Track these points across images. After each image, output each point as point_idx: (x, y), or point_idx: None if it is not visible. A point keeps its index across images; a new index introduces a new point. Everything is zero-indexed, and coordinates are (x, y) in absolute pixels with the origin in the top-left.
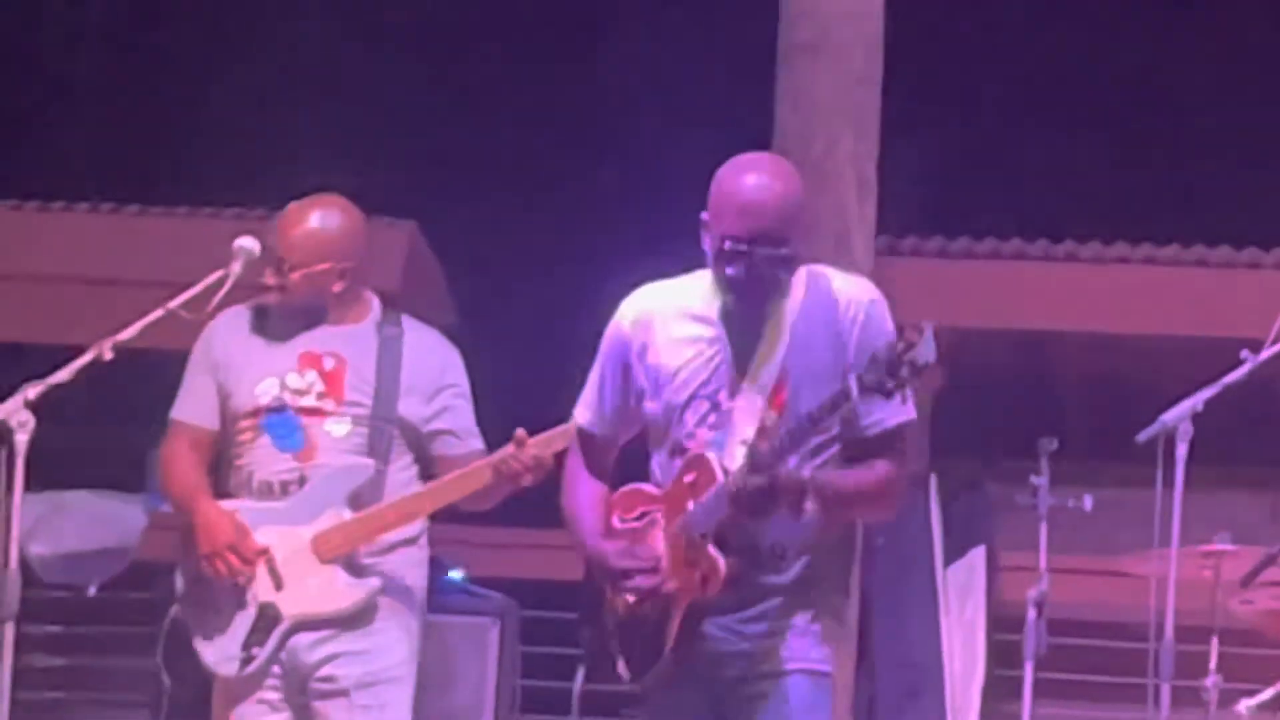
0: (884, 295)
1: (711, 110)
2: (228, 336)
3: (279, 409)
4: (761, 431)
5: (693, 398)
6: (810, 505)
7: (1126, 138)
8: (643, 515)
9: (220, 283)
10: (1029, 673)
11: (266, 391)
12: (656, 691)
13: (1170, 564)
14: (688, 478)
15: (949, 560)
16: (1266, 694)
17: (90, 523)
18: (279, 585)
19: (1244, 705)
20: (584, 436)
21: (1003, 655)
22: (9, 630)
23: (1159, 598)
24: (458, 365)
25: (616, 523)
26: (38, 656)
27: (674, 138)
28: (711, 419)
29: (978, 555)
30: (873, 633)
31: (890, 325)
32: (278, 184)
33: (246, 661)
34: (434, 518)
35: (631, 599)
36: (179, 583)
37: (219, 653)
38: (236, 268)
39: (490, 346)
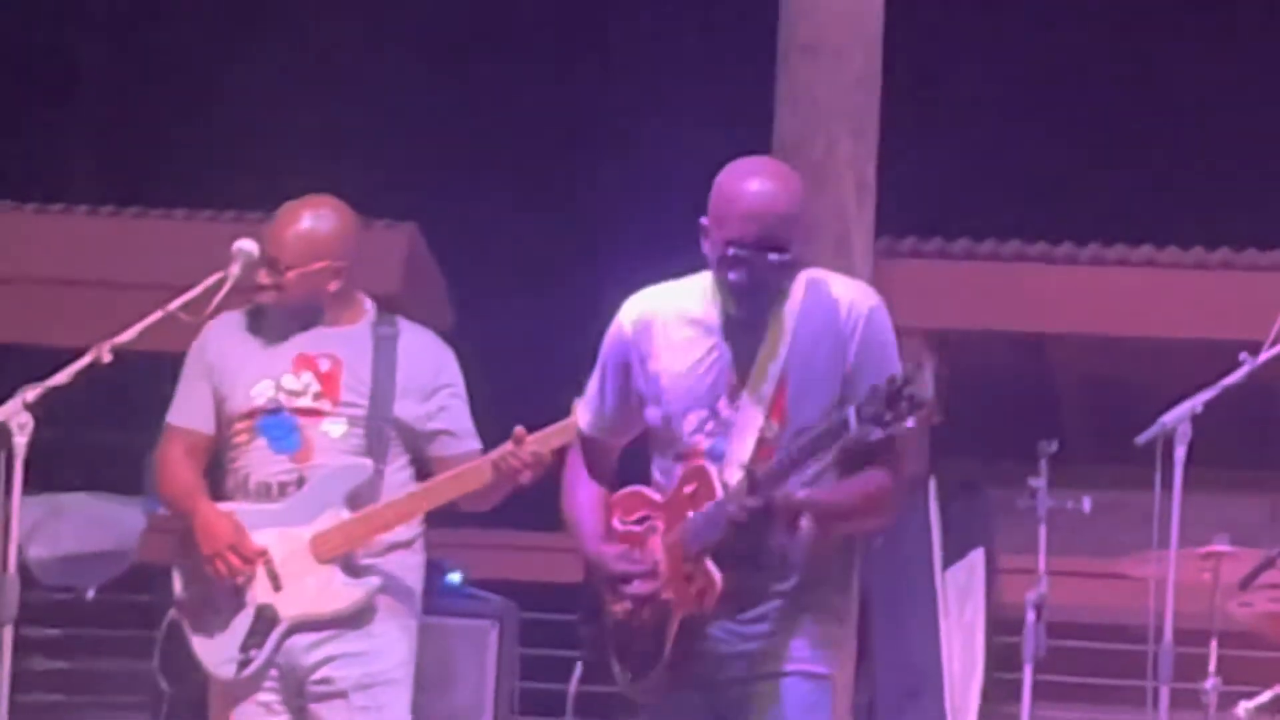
0: (884, 297)
1: (711, 112)
2: (222, 340)
3: (275, 410)
4: (761, 443)
5: (692, 404)
6: (805, 524)
7: (1126, 140)
8: (643, 520)
9: (219, 285)
10: (1028, 675)
11: (262, 393)
12: (654, 695)
13: (1169, 566)
14: (688, 488)
15: (948, 562)
16: (1265, 696)
17: (89, 526)
18: (277, 586)
19: (1243, 708)
20: (585, 439)
21: (1002, 657)
22: (8, 633)
23: (1158, 600)
24: (453, 365)
25: (617, 524)
26: (37, 659)
27: (673, 140)
28: (710, 426)
29: (977, 557)
30: (872, 635)
31: (891, 332)
32: (277, 186)
33: (244, 664)
34: (432, 520)
35: (629, 605)
36: (176, 585)
37: (217, 655)
38: (235, 270)
39: (490, 348)
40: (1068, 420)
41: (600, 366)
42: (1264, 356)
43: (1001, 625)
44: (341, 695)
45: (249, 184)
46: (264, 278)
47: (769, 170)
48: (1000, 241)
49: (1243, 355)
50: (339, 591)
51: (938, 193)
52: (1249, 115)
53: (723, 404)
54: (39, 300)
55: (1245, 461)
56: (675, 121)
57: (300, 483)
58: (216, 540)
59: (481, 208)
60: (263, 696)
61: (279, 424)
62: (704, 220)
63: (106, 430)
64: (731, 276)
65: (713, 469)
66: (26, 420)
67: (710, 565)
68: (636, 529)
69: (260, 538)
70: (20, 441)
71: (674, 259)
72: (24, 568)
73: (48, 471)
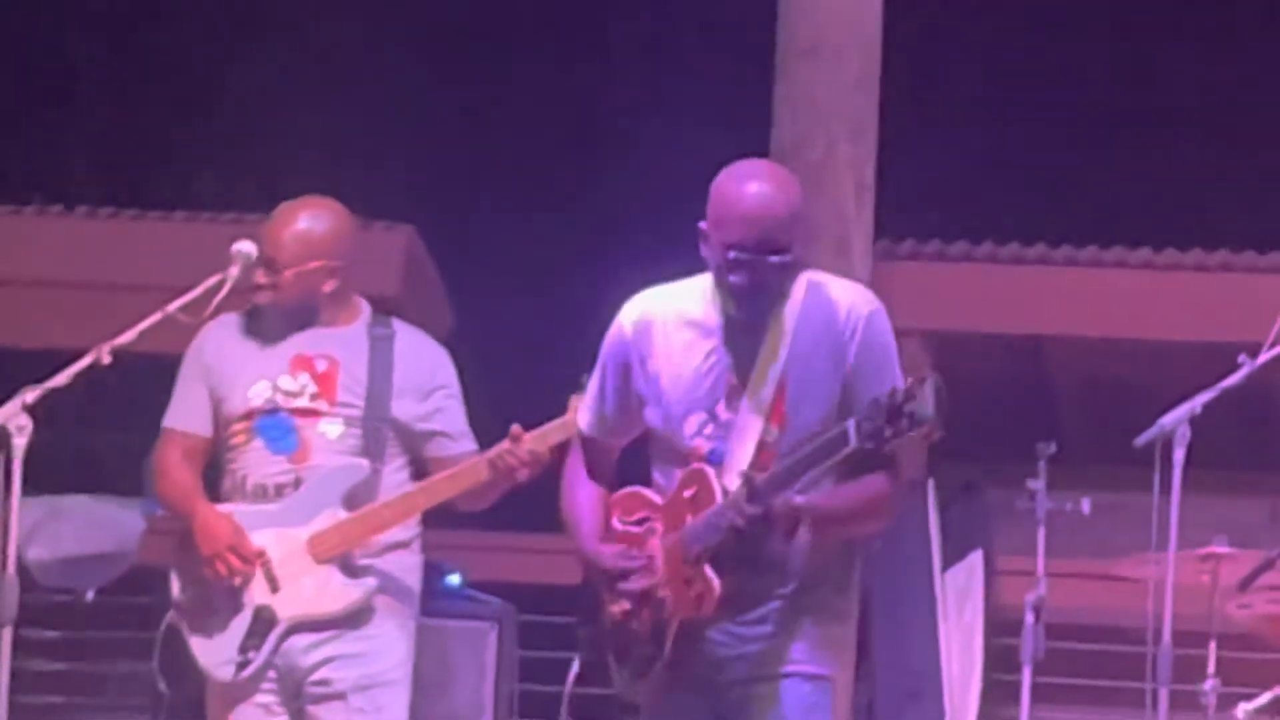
0: (882, 299)
1: (711, 113)
2: (219, 342)
3: (272, 411)
4: (761, 447)
5: (692, 407)
6: (804, 530)
7: (1124, 142)
8: (642, 520)
9: (218, 287)
10: (1027, 677)
11: (259, 394)
12: (653, 697)
13: (1168, 568)
14: (687, 492)
15: (947, 564)
16: (1264, 698)
17: (88, 527)
18: (275, 588)
19: (1242, 709)
20: (585, 439)
21: (1001, 659)
22: (7, 635)
23: (1157, 602)
24: (449, 367)
25: (617, 524)
26: (36, 661)
27: (673, 142)
28: (709, 429)
29: (976, 559)
30: (872, 636)
31: (890, 336)
32: (276, 188)
33: (243, 665)
34: (431, 522)
35: (627, 605)
36: (174, 587)
37: (215, 657)
38: (234, 272)
39: (489, 350)
40: (1066, 422)
41: (600, 367)
42: (1263, 358)
43: (1000, 627)
44: (340, 697)
45: (248, 185)
46: (260, 278)
47: (767, 173)
48: (999, 243)
49: (1241, 357)
50: (337, 592)
51: (937, 195)
52: (1248, 116)
53: (721, 407)
54: (38, 302)
55: (1244, 463)
56: (675, 122)
57: (297, 483)
58: (216, 541)
59: (480, 209)
60: (261, 698)
61: (276, 425)
62: (702, 225)
63: (106, 432)
64: (733, 280)
65: (712, 473)
66: (26, 422)
67: (709, 571)
68: (636, 529)
69: (257, 539)
70: (20, 443)
71: (674, 260)
72: (23, 569)
73: (47, 473)
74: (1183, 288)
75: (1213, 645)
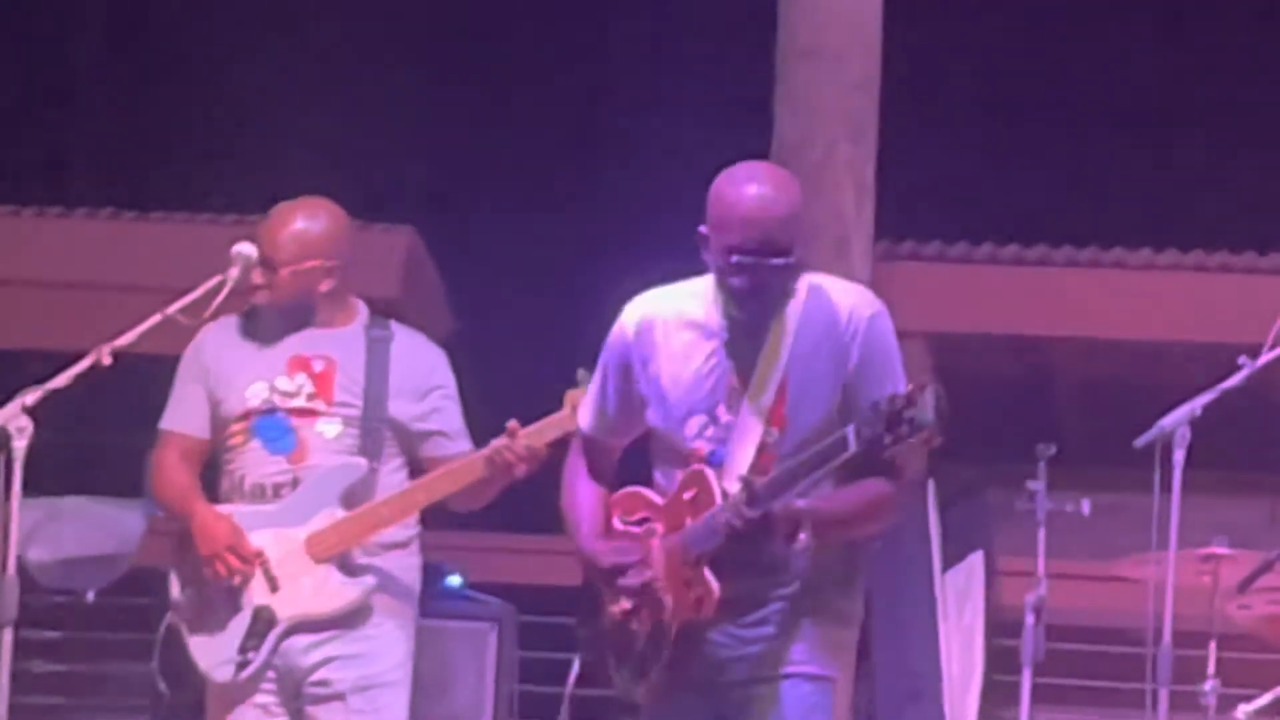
0: (882, 300)
1: (711, 113)
2: (217, 344)
3: (269, 411)
4: (761, 449)
5: (692, 409)
6: (805, 533)
7: (1124, 142)
8: (643, 521)
9: (218, 288)
10: (1027, 678)
11: (256, 395)
12: (654, 698)
13: (1168, 569)
14: (687, 494)
15: (947, 565)
16: (1265, 699)
17: (88, 528)
18: (274, 587)
19: (1242, 710)
20: (586, 439)
21: (1001, 660)
22: (7, 635)
23: (1157, 602)
24: (445, 367)
25: (617, 524)
26: (36, 662)
27: (673, 142)
28: (710, 431)
29: (976, 560)
30: (872, 638)
31: (893, 338)
32: (277, 190)
33: (242, 666)
34: (431, 523)
35: (627, 605)
36: (173, 588)
37: (214, 657)
38: (235, 273)
39: (489, 352)
40: (1066, 423)
41: (602, 367)
42: (1263, 360)
43: (1000, 628)
44: (339, 698)
45: (249, 187)
46: (257, 277)
47: (766, 175)
48: (999, 245)
49: (1241, 358)
50: (336, 591)
51: (937, 196)
52: (1248, 117)
53: (722, 409)
54: (38, 303)
55: (1244, 464)
56: (675, 122)
57: (295, 483)
58: (214, 542)
59: (481, 210)
60: (260, 698)
61: (273, 425)
62: (702, 229)
63: (106, 433)
64: (734, 283)
65: (712, 475)
66: (26, 424)
67: (708, 574)
68: (636, 530)
69: (256, 539)
70: (20, 445)
71: (674, 261)
72: (23, 571)
73: (47, 474)
74: (1183, 289)
75: (1213, 646)
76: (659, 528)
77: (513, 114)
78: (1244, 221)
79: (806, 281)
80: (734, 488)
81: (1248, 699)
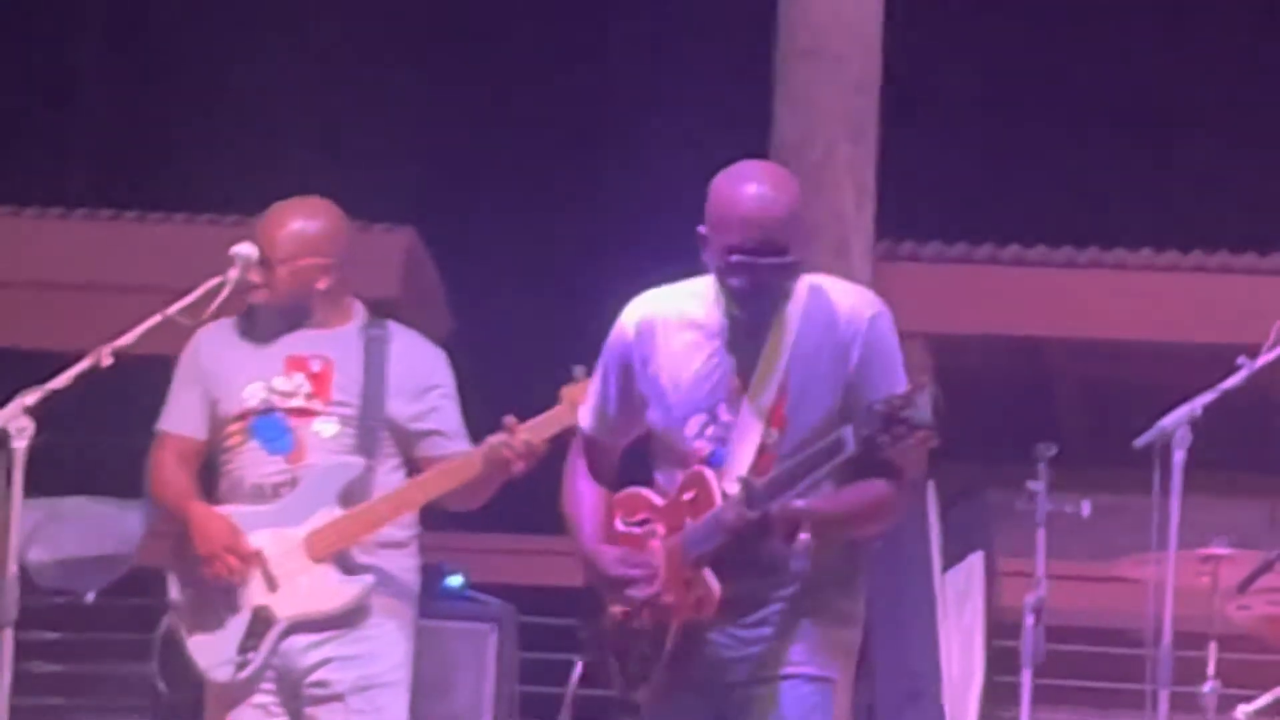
0: (883, 300)
1: (710, 114)
2: (214, 345)
3: (266, 411)
4: (761, 450)
5: (693, 409)
6: (804, 533)
7: (1124, 142)
8: (643, 522)
9: (218, 289)
10: (1027, 679)
11: (254, 395)
12: (654, 698)
13: (1168, 569)
14: (687, 495)
15: (947, 565)
16: (1264, 699)
17: (88, 529)
18: (272, 587)
19: (1242, 711)
20: (587, 439)
21: (1000, 661)
22: (8, 636)
23: (1157, 603)
24: (444, 367)
25: (619, 525)
26: (36, 663)
27: (673, 142)
28: (710, 431)
29: (976, 560)
30: (871, 638)
31: (894, 339)
32: (276, 190)
33: (241, 666)
34: (430, 524)
35: (627, 609)
36: (171, 589)
37: (213, 657)
38: (234, 274)
39: (488, 353)
40: (1066, 424)
41: (603, 368)
42: (1262, 360)
43: (1000, 628)
44: (338, 699)
45: (249, 187)
46: (255, 276)
47: (765, 174)
48: (999, 245)
49: (1241, 359)
50: (335, 589)
51: (937, 197)
52: (1249, 117)
53: (723, 409)
54: (38, 304)
55: (1244, 465)
56: (675, 122)
57: (294, 483)
58: (212, 541)
59: (481, 211)
60: (260, 698)
61: (271, 425)
62: (701, 229)
63: (106, 434)
64: (734, 283)
65: (712, 476)
66: (26, 424)
67: (708, 575)
68: (637, 531)
69: (254, 539)
70: (20, 446)
71: (674, 261)
72: (23, 571)
73: (47, 475)
74: (1183, 289)
75: (1213, 647)
76: (659, 529)
77: (513, 114)
78: (1244, 222)
79: (807, 282)
80: (733, 488)
81: (1247, 700)
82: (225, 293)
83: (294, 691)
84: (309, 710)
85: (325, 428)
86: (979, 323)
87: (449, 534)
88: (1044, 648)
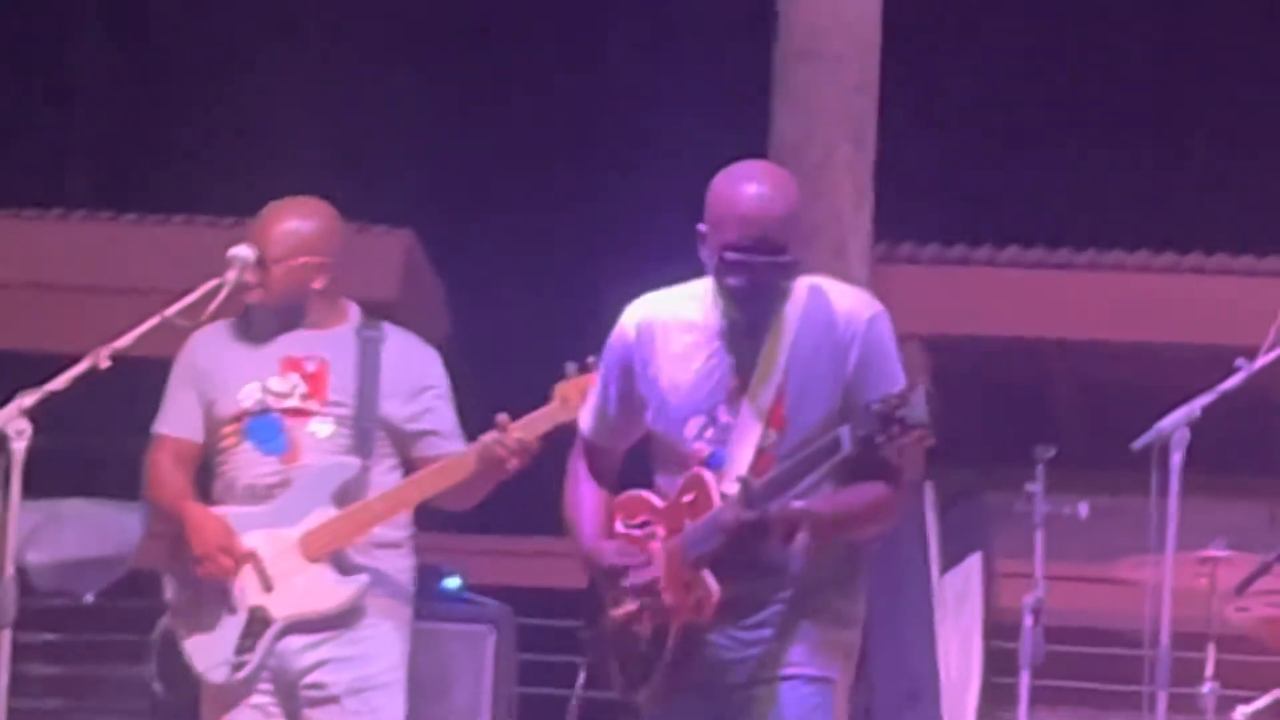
0: (880, 302)
1: (710, 114)
2: (209, 346)
3: (261, 412)
4: (760, 451)
5: (692, 410)
6: (802, 534)
7: (1123, 145)
8: (644, 524)
9: (216, 291)
10: (1025, 680)
11: (249, 395)
12: (655, 700)
13: (1166, 571)
14: (686, 497)
15: (945, 567)
16: (1262, 701)
17: (87, 531)
18: (268, 587)
19: (1240, 712)
20: (587, 442)
21: (999, 662)
22: (6, 638)
23: (1155, 605)
24: (438, 367)
25: (620, 527)
26: (34, 664)
27: (672, 146)
28: (710, 432)
29: (974, 562)
30: (870, 639)
31: (892, 340)
32: (275, 193)
33: (238, 667)
34: (428, 525)
35: (629, 608)
36: (167, 591)
37: (210, 659)
38: (232, 276)
39: (487, 355)
40: (1065, 425)
41: (603, 370)
42: (1260, 362)
43: (999, 630)
44: (334, 700)
45: (248, 189)
46: (250, 276)
47: (763, 174)
48: (997, 247)
49: (1239, 361)
50: (330, 589)
51: (935, 198)
52: (1248, 119)
53: (722, 410)
54: (36, 305)
55: (1242, 467)
56: (675, 122)
57: (288, 484)
58: (207, 542)
59: (480, 213)
60: (256, 699)
61: (266, 426)
62: (701, 227)
63: (104, 436)
64: (732, 282)
65: (710, 478)
66: (25, 426)
67: (708, 576)
68: (637, 533)
69: (249, 540)
70: (19, 447)
71: (674, 261)
72: (22, 573)
73: (46, 477)
74: (1181, 291)
75: (1211, 648)
76: (659, 531)
77: (512, 114)
78: (1243, 224)
79: (805, 283)
80: (733, 489)
81: (1246, 701)
82: (223, 295)
83: (290, 692)
84: (306, 711)
85: (320, 428)
86: (977, 324)
87: (447, 536)
88: (1042, 649)
